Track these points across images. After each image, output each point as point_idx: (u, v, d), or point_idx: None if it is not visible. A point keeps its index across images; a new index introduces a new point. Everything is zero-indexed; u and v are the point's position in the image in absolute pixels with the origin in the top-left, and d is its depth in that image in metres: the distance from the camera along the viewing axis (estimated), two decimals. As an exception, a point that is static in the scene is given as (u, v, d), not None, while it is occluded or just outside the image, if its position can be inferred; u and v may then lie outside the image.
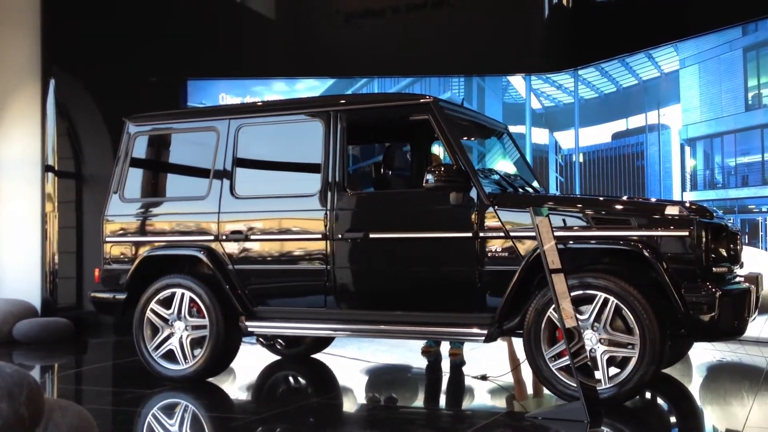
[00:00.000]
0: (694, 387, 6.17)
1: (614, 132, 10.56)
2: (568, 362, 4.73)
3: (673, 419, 5.26)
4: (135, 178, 6.64)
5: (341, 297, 5.74)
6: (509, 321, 5.24)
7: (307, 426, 5.04)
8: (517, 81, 11.14)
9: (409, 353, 7.59)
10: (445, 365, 6.95)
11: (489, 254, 5.25)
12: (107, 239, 6.66)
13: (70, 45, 10.00)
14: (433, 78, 11.19)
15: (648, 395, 5.61)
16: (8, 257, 9.76)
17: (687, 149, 9.51)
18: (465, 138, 8.03)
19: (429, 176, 5.22)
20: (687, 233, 4.83)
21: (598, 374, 4.89)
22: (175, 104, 10.73)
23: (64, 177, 10.36)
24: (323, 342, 7.40)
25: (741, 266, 5.60)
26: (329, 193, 5.73)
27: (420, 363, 7.16)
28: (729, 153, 9.05)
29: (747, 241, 8.37)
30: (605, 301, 4.90)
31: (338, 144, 5.77)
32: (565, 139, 11.00)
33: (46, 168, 9.89)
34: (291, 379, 6.78)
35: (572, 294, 4.89)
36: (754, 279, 5.33)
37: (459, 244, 5.35)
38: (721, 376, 6.82)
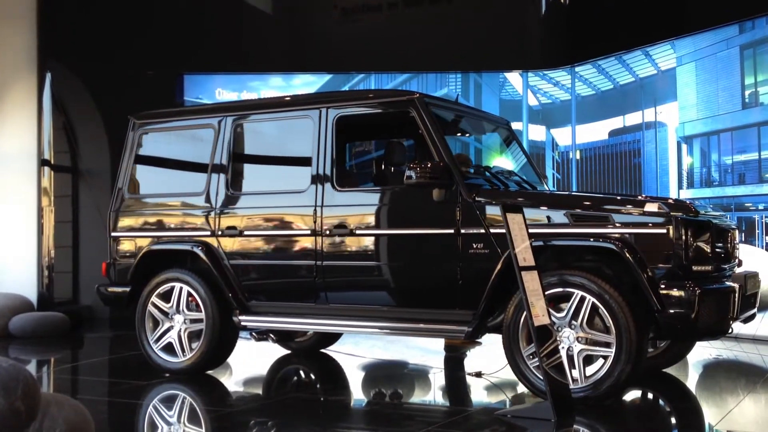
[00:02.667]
0: (681, 385, 6.15)
1: (611, 129, 10.56)
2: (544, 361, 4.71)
3: (655, 418, 5.21)
4: (139, 174, 6.76)
5: (329, 292, 5.79)
6: (494, 318, 5.23)
7: (295, 417, 5.05)
8: (514, 77, 11.14)
9: (405, 349, 7.60)
10: (444, 362, 6.96)
11: (470, 251, 5.24)
12: (113, 234, 6.73)
13: (66, 39, 9.98)
14: (430, 74, 11.19)
15: (638, 394, 5.62)
16: (4, 251, 9.74)
17: (684, 147, 9.52)
18: (459, 134, 8.01)
19: (410, 173, 5.21)
20: (665, 231, 4.77)
21: (575, 373, 4.86)
22: (171, 99, 10.71)
23: (60, 171, 10.36)
24: (331, 337, 7.43)
25: (739, 264, 5.57)
26: (318, 189, 5.79)
27: (415, 360, 7.17)
28: (726, 151, 9.06)
29: (744, 239, 8.38)
30: (582, 299, 4.86)
31: (327, 140, 5.82)
32: (562, 136, 11.01)
33: (42, 162, 9.87)
34: (286, 373, 6.77)
35: (550, 292, 4.88)
36: (742, 278, 5.18)
37: (441, 241, 5.35)
38: (715, 373, 6.83)
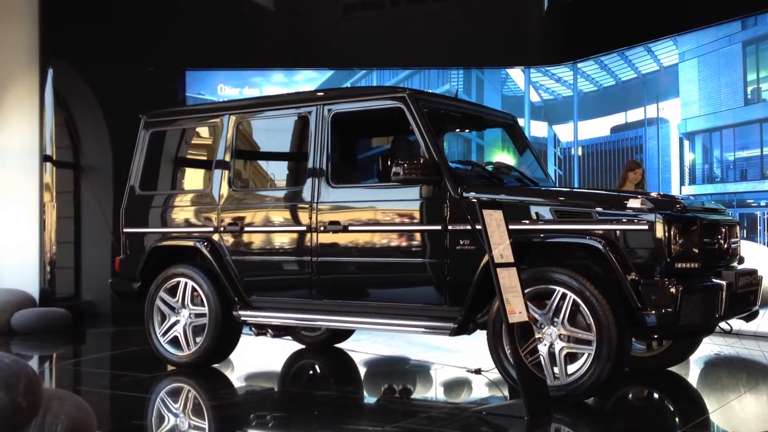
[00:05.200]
0: (679, 381, 6.13)
1: (613, 125, 10.55)
2: (529, 357, 4.70)
3: (638, 416, 5.14)
4: (150, 171, 6.87)
5: (323, 288, 5.83)
6: (483, 315, 5.17)
7: (286, 409, 5.07)
8: (516, 74, 11.13)
9: (407, 345, 7.60)
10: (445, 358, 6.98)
11: (457, 247, 5.22)
12: (125, 230, 6.87)
13: (68, 35, 9.98)
14: (432, 70, 11.18)
15: (628, 391, 5.61)
16: (6, 247, 9.76)
17: (686, 143, 9.51)
18: (459, 130, 7.97)
19: (397, 169, 5.19)
20: (647, 227, 4.70)
21: (557, 370, 4.82)
22: (174, 95, 10.71)
23: (62, 167, 10.36)
24: (344, 332, 7.43)
25: (740, 261, 5.53)
26: (313, 186, 5.83)
27: (417, 356, 7.18)
28: (728, 147, 9.05)
29: (745, 236, 8.37)
30: (564, 296, 4.81)
31: (323, 137, 5.85)
32: (564, 132, 11.00)
33: (44, 158, 9.88)
34: (287, 367, 6.78)
35: (531, 288, 4.86)
36: (732, 275, 5.00)
37: (429, 237, 5.36)
38: (716, 370, 6.83)
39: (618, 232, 4.77)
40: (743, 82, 8.84)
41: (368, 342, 7.80)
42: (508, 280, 4.68)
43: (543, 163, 6.90)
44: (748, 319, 5.37)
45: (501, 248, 4.73)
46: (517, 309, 4.66)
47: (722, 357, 7.16)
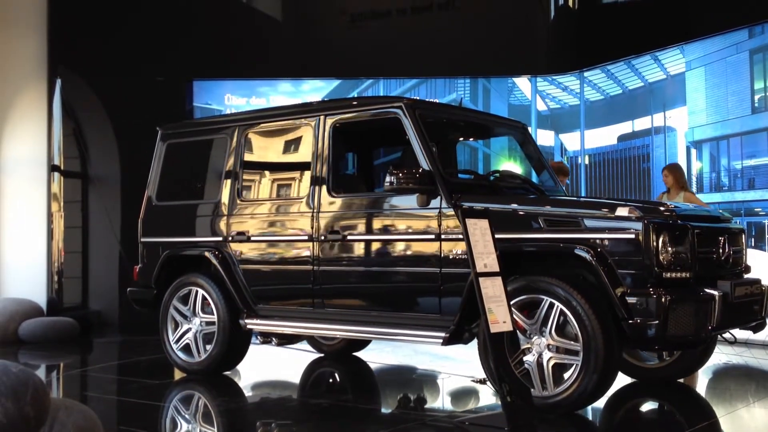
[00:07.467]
0: (678, 392, 6.10)
1: (620, 134, 10.55)
2: (518, 367, 4.68)
3: (628, 429, 5.11)
4: (165, 182, 6.98)
5: (324, 297, 5.86)
6: (477, 324, 5.11)
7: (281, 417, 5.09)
8: (522, 83, 11.14)
9: (414, 354, 7.59)
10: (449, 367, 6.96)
11: (450, 256, 5.22)
12: (142, 239, 6.99)
13: (76, 45, 10.02)
14: (439, 79, 11.20)
15: (628, 401, 5.58)
16: (14, 257, 9.78)
17: (693, 152, 9.49)
18: (463, 139, 7.96)
19: (391, 178, 5.18)
20: (633, 235, 4.64)
21: (546, 381, 4.78)
22: (181, 105, 10.75)
23: (70, 177, 10.40)
24: (360, 341, 7.42)
25: (747, 270, 5.46)
26: (314, 196, 5.87)
27: (423, 365, 7.16)
28: (735, 156, 9.03)
29: (753, 245, 8.34)
30: (551, 306, 4.76)
31: (324, 147, 5.89)
32: (571, 141, 10.99)
33: (52, 168, 9.92)
34: (292, 376, 6.78)
35: (519, 298, 4.84)
36: (728, 285, 4.85)
37: (424, 246, 5.36)
38: (724, 379, 6.80)
39: (606, 240, 4.71)
40: (750, 91, 8.83)
41: (376, 352, 7.79)
42: (492, 289, 4.64)
43: (553, 171, 6.87)
44: (755, 329, 5.31)
45: (485, 257, 4.70)
46: (500, 318, 4.60)
47: (731, 366, 7.13)
